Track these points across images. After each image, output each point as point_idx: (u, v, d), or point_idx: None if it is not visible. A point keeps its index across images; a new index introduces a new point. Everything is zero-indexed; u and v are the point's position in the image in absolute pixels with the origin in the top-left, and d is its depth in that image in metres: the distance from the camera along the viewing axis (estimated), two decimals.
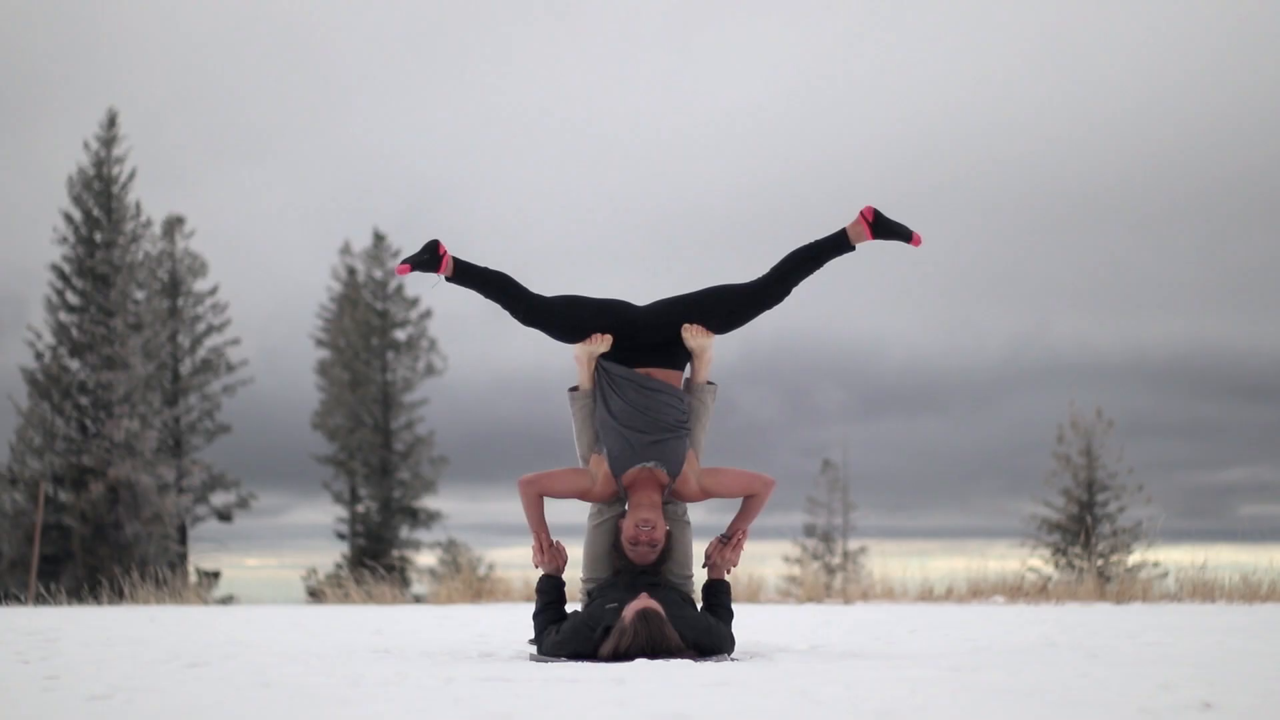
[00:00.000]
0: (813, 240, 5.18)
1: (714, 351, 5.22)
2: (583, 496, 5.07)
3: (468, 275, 5.18)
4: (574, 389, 5.25)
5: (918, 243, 5.15)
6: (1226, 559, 10.47)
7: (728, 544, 5.15)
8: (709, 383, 5.24)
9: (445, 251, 5.11)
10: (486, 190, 34.07)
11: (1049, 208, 31.26)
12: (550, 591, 5.07)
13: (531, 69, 33.34)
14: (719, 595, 5.11)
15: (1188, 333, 31.57)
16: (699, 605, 5.08)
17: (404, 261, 5.12)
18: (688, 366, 5.26)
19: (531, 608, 5.55)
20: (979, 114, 31.24)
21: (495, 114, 33.43)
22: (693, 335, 5.13)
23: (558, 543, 5.14)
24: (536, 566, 5.16)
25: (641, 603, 4.52)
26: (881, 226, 5.12)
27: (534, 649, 5.15)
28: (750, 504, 5.11)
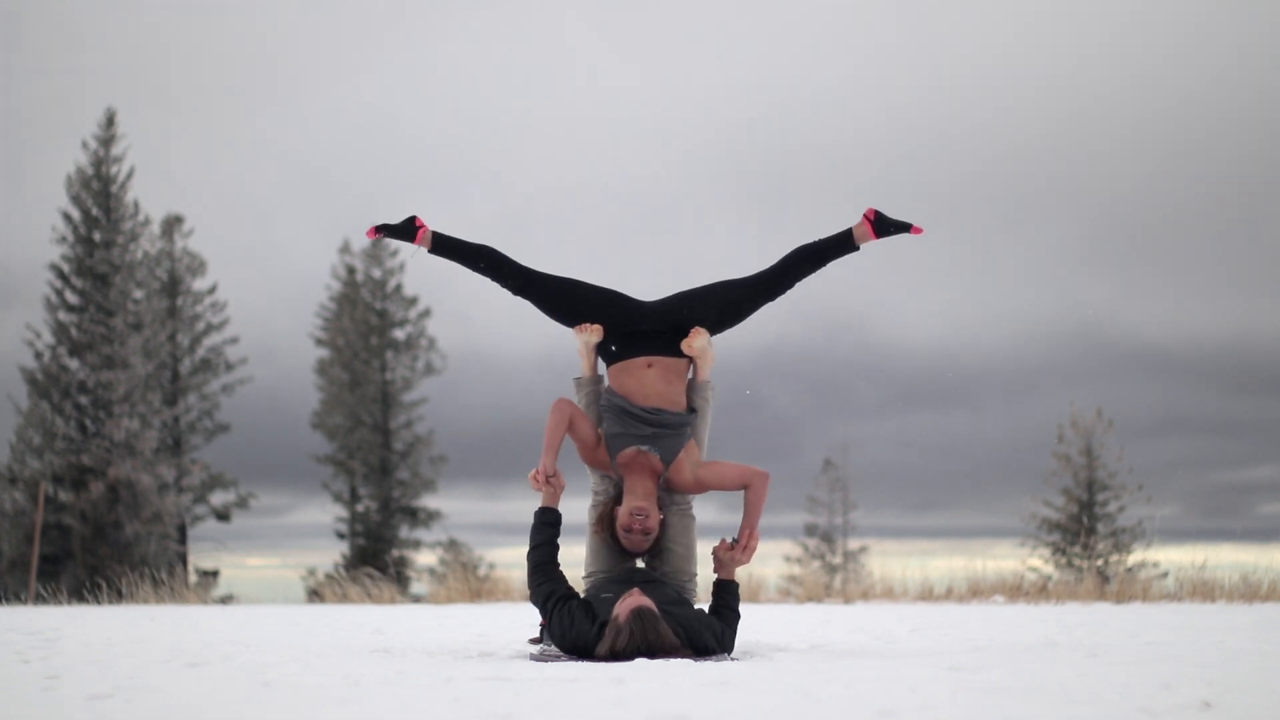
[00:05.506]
0: (817, 239, 5.22)
1: (716, 351, 5.25)
2: (587, 447, 5.08)
3: (449, 248, 5.23)
4: (579, 378, 5.30)
5: (918, 232, 5.18)
6: (1231, 558, 10.48)
7: (736, 545, 5.10)
8: (707, 382, 5.27)
9: (423, 224, 5.17)
10: (489, 177, 33.85)
11: (1063, 200, 30.95)
12: (553, 525, 4.98)
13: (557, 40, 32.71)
14: (726, 596, 5.07)
15: (1218, 325, 31.09)
16: (704, 605, 5.06)
17: (375, 227, 5.18)
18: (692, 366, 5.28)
19: (528, 610, 5.49)
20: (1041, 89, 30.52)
21: (512, 84, 33.02)
22: (690, 343, 5.15)
23: (559, 472, 5.03)
24: (536, 489, 5.04)
25: (635, 600, 4.47)
26: (883, 225, 5.16)
27: (534, 649, 5.14)
28: (750, 499, 5.07)
